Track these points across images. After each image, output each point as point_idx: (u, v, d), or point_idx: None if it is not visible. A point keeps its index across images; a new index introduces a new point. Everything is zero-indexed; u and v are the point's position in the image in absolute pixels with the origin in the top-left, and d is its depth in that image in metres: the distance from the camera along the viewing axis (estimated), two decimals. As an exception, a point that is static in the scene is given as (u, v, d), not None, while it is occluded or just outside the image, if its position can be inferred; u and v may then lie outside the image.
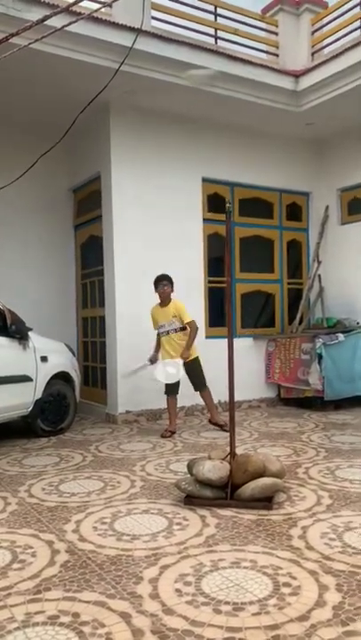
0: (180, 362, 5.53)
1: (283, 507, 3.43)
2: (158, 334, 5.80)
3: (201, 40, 6.10)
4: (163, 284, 5.68)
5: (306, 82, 6.48)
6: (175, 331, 5.66)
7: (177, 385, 5.72)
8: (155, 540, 2.97)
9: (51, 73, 5.56)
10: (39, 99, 6.20)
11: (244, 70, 6.15)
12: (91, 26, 5.19)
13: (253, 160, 7.36)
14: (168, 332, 5.68)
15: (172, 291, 5.74)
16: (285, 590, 2.38)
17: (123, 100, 6.23)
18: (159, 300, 5.76)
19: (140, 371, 5.81)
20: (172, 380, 5.58)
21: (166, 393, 5.76)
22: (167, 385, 5.70)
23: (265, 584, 2.43)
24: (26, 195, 7.03)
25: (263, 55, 6.85)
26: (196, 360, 5.73)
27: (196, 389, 5.82)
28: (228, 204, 3.85)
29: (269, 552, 2.77)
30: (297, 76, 6.55)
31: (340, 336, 6.86)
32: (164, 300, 5.72)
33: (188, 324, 5.62)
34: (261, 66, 6.32)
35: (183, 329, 5.66)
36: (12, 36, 3.75)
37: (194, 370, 5.71)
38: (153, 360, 5.77)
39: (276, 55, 6.87)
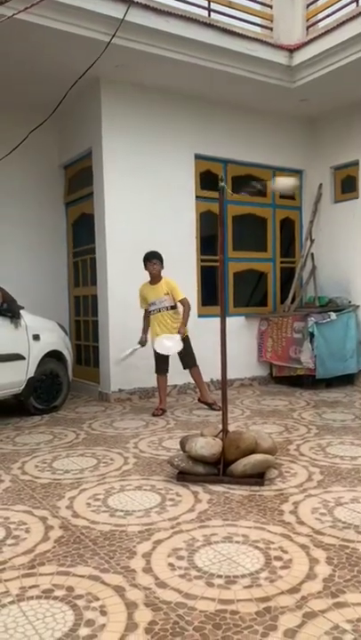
0: (178, 336, 5.53)
1: (274, 483, 3.47)
2: (146, 314, 5.77)
3: (194, 12, 5.96)
4: (152, 262, 5.65)
5: (300, 57, 6.35)
6: (167, 309, 5.65)
7: (167, 363, 5.73)
8: (148, 515, 3.00)
9: (39, 46, 5.40)
10: (28, 74, 6.04)
11: (238, 44, 6.02)
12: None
13: (247, 137, 7.27)
14: (160, 310, 5.65)
15: (162, 268, 5.71)
16: (277, 564, 2.42)
17: (114, 74, 6.10)
18: (149, 278, 5.74)
19: (131, 355, 5.79)
20: (170, 352, 5.58)
21: (157, 372, 5.77)
22: (157, 364, 5.72)
23: (257, 558, 2.47)
24: (16, 172, 6.94)
25: (257, 29, 6.70)
26: (187, 338, 5.72)
27: (185, 367, 5.81)
28: (221, 182, 3.81)
29: (261, 527, 2.81)
30: (291, 50, 6.42)
31: (332, 315, 6.89)
32: (155, 278, 5.70)
33: (181, 301, 5.62)
34: (255, 40, 6.18)
35: (173, 307, 5.66)
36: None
37: (186, 348, 5.69)
38: (143, 342, 5.74)
39: (271, 29, 6.72)
